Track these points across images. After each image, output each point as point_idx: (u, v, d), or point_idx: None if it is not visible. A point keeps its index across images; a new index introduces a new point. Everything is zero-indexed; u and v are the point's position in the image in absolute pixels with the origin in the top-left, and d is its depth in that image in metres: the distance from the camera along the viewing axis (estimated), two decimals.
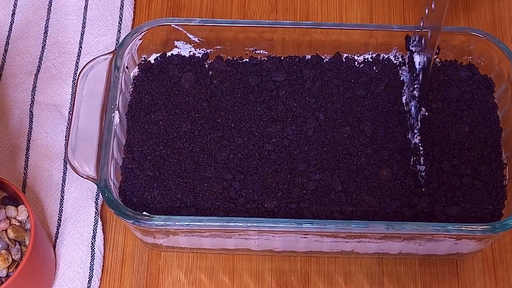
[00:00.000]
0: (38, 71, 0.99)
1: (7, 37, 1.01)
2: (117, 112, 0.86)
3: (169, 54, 0.93)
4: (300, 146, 0.87)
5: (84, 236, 0.90)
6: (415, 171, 0.86)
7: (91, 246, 0.89)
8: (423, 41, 0.88)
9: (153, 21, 0.90)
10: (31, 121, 0.96)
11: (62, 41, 1.01)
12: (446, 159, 0.86)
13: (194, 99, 0.90)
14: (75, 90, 0.85)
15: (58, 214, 0.91)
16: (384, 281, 0.89)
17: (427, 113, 0.89)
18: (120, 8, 1.03)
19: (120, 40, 1.00)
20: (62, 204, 0.92)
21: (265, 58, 0.92)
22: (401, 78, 0.91)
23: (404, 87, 0.91)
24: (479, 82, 0.91)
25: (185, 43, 0.92)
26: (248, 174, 0.85)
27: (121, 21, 1.03)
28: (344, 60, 0.92)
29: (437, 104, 0.89)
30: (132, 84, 0.91)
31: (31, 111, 0.97)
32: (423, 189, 0.85)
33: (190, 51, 0.93)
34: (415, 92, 0.88)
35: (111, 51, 0.89)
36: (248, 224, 0.80)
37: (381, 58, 0.92)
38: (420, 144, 0.88)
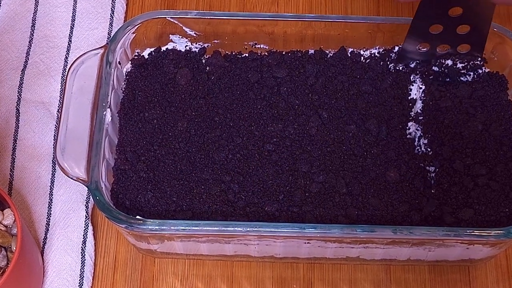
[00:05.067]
0: (25, 66, 0.99)
1: None
2: (108, 110, 0.85)
3: (163, 48, 0.92)
4: (303, 146, 0.87)
5: (74, 242, 0.90)
6: (424, 172, 0.86)
7: (81, 252, 0.89)
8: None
9: (147, 14, 0.90)
10: (17, 119, 0.96)
11: (50, 35, 1.01)
12: (458, 158, 0.86)
13: (190, 96, 0.90)
14: (65, 87, 0.85)
15: (46, 218, 0.91)
16: None
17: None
18: (112, 0, 1.03)
19: (112, 34, 1.00)
20: (51, 207, 0.92)
21: (266, 53, 0.92)
22: (410, 76, 0.91)
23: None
24: (491, 79, 0.91)
25: (181, 37, 0.92)
26: (247, 175, 0.85)
27: (113, 13, 1.02)
28: (349, 55, 0.92)
29: (446, 102, 0.89)
30: (124, 81, 0.90)
31: (17, 109, 0.97)
32: (433, 191, 0.85)
33: (186, 46, 0.93)
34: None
35: (102, 45, 0.89)
36: (248, 229, 0.80)
37: (390, 53, 0.92)
38: (427, 145, 0.87)
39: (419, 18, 0.86)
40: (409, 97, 0.90)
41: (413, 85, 0.91)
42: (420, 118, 0.89)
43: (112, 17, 1.02)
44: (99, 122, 0.84)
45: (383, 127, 0.88)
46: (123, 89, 0.90)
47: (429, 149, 0.87)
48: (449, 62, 0.90)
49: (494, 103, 0.89)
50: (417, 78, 0.91)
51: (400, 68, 0.91)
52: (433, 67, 0.90)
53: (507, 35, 0.89)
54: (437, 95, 0.90)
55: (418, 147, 0.88)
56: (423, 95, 0.90)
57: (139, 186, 0.84)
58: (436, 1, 0.84)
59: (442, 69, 0.90)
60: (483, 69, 0.91)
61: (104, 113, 0.84)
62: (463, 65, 0.90)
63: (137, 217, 0.81)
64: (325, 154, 0.87)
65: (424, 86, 0.90)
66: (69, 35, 1.01)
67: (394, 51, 0.92)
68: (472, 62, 0.90)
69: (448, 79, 0.90)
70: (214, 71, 0.91)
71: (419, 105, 0.90)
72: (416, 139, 0.88)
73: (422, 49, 0.90)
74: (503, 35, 0.89)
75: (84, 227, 0.91)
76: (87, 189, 0.90)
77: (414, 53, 0.90)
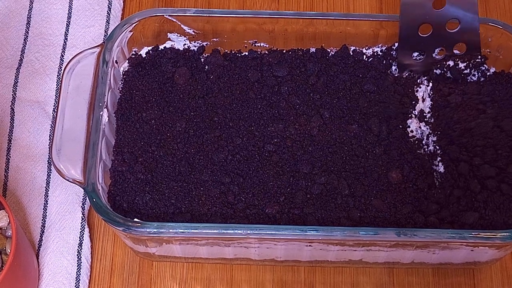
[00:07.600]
0: (20, 65, 0.99)
1: None
2: (105, 110, 0.85)
3: (161, 47, 0.92)
4: (304, 146, 0.87)
5: (70, 244, 0.90)
6: (429, 172, 0.86)
7: (77, 255, 0.89)
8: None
9: (145, 12, 0.90)
10: (12, 119, 0.96)
11: (46, 33, 1.01)
12: (467, 158, 0.85)
13: (189, 96, 0.89)
14: (60, 86, 0.85)
15: (42, 220, 0.91)
16: None
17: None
18: None
19: (109, 32, 1.00)
20: (46, 209, 0.92)
21: (266, 52, 0.92)
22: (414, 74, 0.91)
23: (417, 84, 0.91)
24: (498, 78, 0.91)
25: (179, 35, 0.92)
26: (247, 177, 0.85)
27: (110, 11, 1.02)
28: (351, 54, 0.92)
29: (456, 98, 0.89)
30: (121, 80, 0.90)
31: (12, 108, 0.96)
32: (437, 192, 0.85)
33: (185, 44, 0.92)
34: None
35: (99, 44, 0.88)
36: (248, 231, 0.79)
37: (391, 51, 0.92)
38: (436, 143, 0.87)
39: (405, 18, 0.86)
40: (414, 95, 0.90)
41: (418, 83, 0.90)
42: (428, 115, 0.89)
43: (109, 15, 1.02)
44: (96, 123, 0.83)
45: (385, 127, 0.88)
46: (120, 89, 0.90)
47: (437, 147, 0.87)
48: (451, 63, 0.90)
49: (504, 99, 0.89)
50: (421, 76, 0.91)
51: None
52: (435, 71, 0.90)
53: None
54: (445, 91, 0.89)
55: (426, 146, 0.87)
56: (431, 92, 0.89)
57: (137, 188, 0.84)
58: None
59: (445, 70, 0.90)
60: (485, 66, 0.91)
61: (101, 113, 0.84)
62: (465, 64, 0.90)
63: (135, 219, 0.80)
64: (327, 154, 0.86)
65: (431, 84, 0.90)
66: (65, 32, 1.01)
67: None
68: (473, 60, 0.90)
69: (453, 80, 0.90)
70: (213, 70, 0.91)
71: (427, 103, 0.89)
72: (425, 138, 0.88)
73: (419, 58, 0.90)
74: (508, 33, 0.89)
75: (80, 229, 0.90)
76: (83, 190, 0.90)
77: (412, 65, 0.90)
